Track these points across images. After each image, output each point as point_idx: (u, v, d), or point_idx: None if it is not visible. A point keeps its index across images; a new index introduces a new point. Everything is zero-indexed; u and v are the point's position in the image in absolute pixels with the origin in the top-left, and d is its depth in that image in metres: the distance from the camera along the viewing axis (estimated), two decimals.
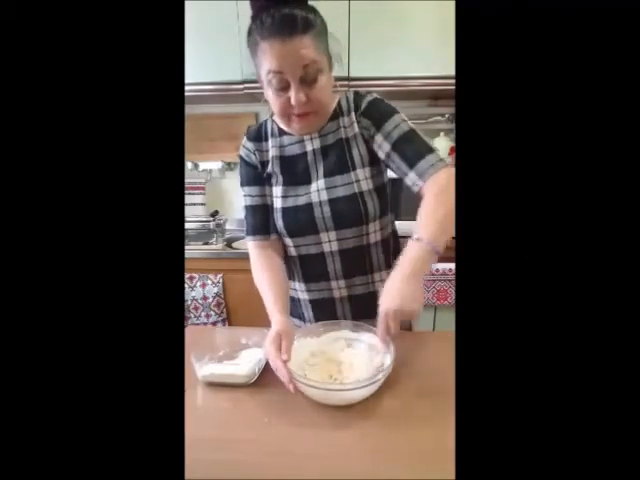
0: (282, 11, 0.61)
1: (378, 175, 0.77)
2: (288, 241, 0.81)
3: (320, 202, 0.75)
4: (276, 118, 0.79)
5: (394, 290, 0.59)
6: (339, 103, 0.78)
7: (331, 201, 0.75)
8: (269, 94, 0.69)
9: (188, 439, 0.42)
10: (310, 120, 0.72)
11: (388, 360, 0.61)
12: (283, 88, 0.66)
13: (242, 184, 0.83)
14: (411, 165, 0.69)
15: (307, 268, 0.82)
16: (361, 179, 0.75)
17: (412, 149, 0.70)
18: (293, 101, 0.66)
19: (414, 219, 0.65)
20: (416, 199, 0.68)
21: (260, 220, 0.81)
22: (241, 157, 0.82)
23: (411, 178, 0.70)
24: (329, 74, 0.71)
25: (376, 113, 0.74)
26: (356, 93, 0.78)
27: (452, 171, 0.66)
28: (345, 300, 0.82)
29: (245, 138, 0.82)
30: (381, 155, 0.74)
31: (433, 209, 0.64)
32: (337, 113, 0.77)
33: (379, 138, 0.73)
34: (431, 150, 0.69)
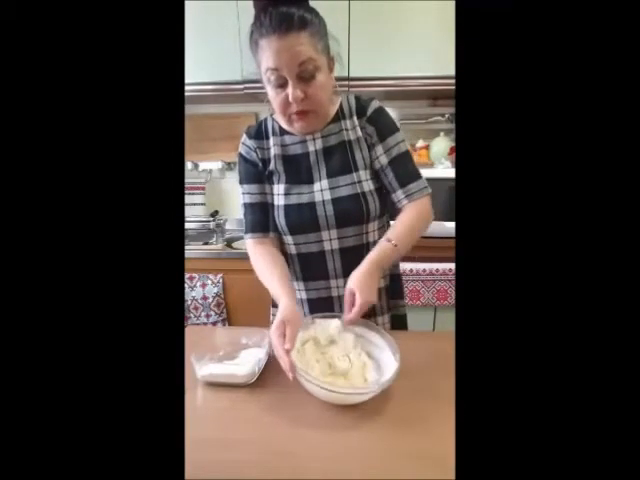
0: (280, 9, 0.63)
1: (378, 177, 0.79)
2: (288, 239, 0.81)
3: (323, 201, 0.76)
4: (277, 117, 0.80)
5: (367, 284, 0.68)
6: (341, 106, 0.79)
7: (334, 200, 0.76)
8: (269, 92, 0.70)
9: (188, 439, 0.42)
10: (310, 120, 0.73)
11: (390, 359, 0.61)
12: (281, 85, 0.67)
13: (241, 182, 0.83)
14: (402, 184, 0.77)
15: (306, 266, 0.82)
16: (363, 180, 0.77)
17: (406, 170, 0.78)
18: (290, 98, 0.67)
19: None
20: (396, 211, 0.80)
21: (259, 218, 0.81)
22: (241, 154, 0.82)
23: (398, 195, 0.78)
24: (328, 74, 0.71)
25: (381, 124, 0.78)
26: (358, 98, 0.80)
27: (430, 200, 0.79)
28: (343, 299, 0.81)
29: (245, 136, 0.82)
30: (376, 165, 0.78)
31: (411, 226, 0.75)
32: (339, 116, 0.79)
33: (379, 149, 0.78)
34: (420, 176, 0.79)
